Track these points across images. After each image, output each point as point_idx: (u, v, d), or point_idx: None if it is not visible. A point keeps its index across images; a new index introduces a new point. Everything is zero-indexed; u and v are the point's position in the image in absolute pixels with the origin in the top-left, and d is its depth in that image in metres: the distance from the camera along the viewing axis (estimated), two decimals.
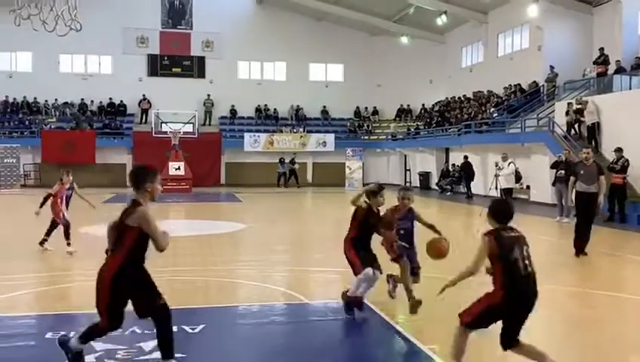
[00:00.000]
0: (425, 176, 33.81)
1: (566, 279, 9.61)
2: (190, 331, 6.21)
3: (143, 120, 37.14)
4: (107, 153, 34.39)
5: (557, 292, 8.56)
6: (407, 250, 7.17)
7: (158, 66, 38.39)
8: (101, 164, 33.85)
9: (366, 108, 40.72)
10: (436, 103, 37.71)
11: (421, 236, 7.27)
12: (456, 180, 29.98)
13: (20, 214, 20.68)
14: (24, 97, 36.43)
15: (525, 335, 4.83)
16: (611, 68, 23.04)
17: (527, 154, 24.09)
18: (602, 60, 23.43)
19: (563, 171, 17.76)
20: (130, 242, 4.72)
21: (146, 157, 33.43)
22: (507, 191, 18.54)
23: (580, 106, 21.97)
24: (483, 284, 4.99)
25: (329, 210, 24.14)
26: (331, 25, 38.88)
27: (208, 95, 38.06)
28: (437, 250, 6.60)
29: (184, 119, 34.45)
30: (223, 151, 36.31)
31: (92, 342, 5.27)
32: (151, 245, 4.81)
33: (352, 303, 6.86)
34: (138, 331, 6.20)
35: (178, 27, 38.44)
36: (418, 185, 33.50)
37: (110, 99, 37.33)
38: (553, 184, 18.83)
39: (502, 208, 4.98)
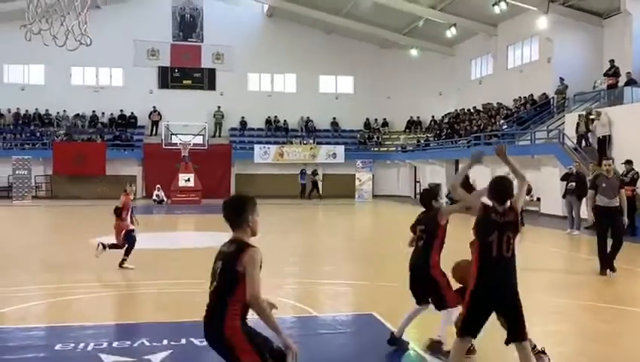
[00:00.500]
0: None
1: (579, 293, 9.51)
2: (199, 344, 6.18)
3: (154, 132, 37.31)
4: (117, 165, 34.52)
5: (571, 305, 8.48)
6: None
7: (168, 78, 38.62)
8: (112, 175, 33.96)
9: (376, 119, 40.74)
10: (446, 115, 37.66)
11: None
12: None
13: (31, 226, 20.80)
14: (36, 109, 36.72)
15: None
16: (622, 80, 22.94)
17: (537, 167, 23.99)
18: (613, 72, 23.34)
19: (573, 183, 17.66)
20: (244, 291, 3.93)
21: (156, 169, 33.74)
22: None
23: (593, 117, 21.84)
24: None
25: (339, 221, 24.13)
26: (341, 37, 39.00)
27: (218, 107, 38.22)
28: (463, 280, 5.73)
29: (194, 131, 34.59)
30: (232, 163, 36.37)
31: (101, 354, 5.27)
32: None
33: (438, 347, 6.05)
34: (147, 344, 6.20)
35: (189, 40, 38.68)
36: None
37: (121, 111, 37.54)
38: (563, 196, 18.71)
39: (498, 187, 4.94)
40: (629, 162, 17.13)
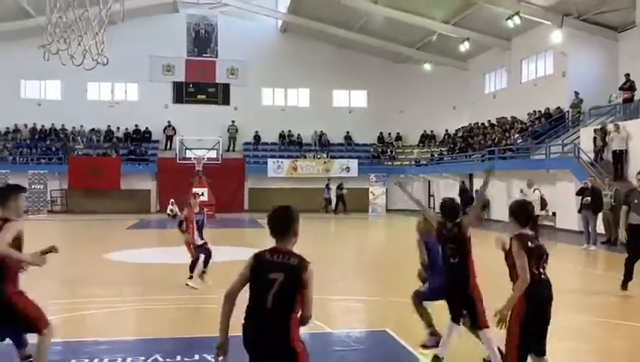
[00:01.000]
0: None
1: (595, 309, 9.40)
2: (211, 360, 6.20)
3: (168, 146, 37.55)
4: (132, 179, 34.74)
5: (586, 322, 8.38)
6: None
7: (183, 93, 38.92)
8: (126, 190, 34.20)
9: (389, 134, 40.73)
10: (460, 129, 37.59)
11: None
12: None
13: (46, 240, 20.93)
14: (52, 124, 37.12)
15: None
16: (637, 94, 22.79)
17: (552, 181, 23.82)
18: (628, 86, 23.19)
19: (589, 198, 17.51)
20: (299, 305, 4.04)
21: (170, 183, 33.87)
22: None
23: (612, 129, 21.58)
24: None
25: (353, 236, 24.06)
26: (354, 52, 39.11)
27: (232, 121, 38.41)
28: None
29: (208, 145, 34.75)
30: (246, 177, 36.48)
31: None
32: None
33: None
34: (160, 359, 6.20)
35: (203, 55, 39.00)
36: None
37: (136, 125, 37.85)
38: (579, 211, 18.56)
39: (523, 210, 5.17)
40: None
